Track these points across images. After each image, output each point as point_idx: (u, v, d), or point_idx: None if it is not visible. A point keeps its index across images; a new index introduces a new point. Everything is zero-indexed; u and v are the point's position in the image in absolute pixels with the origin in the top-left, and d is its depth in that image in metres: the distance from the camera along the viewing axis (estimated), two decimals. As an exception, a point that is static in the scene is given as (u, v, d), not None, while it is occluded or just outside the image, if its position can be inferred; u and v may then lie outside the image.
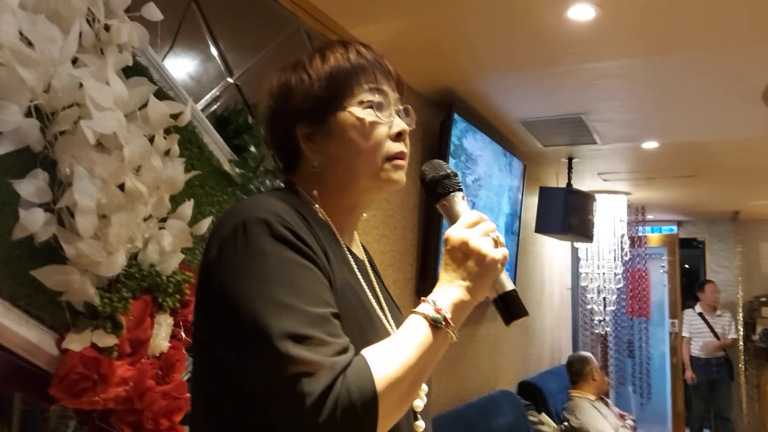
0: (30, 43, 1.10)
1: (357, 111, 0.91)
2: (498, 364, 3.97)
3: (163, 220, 1.37)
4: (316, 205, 0.92)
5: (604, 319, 5.48)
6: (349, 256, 0.93)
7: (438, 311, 0.80)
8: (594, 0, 2.06)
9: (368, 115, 0.91)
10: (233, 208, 0.87)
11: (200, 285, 0.86)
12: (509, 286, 0.85)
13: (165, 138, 1.36)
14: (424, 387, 0.91)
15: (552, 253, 5.49)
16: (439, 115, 2.91)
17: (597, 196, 5.34)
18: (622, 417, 4.38)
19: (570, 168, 4.33)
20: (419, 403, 0.90)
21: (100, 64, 1.19)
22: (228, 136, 1.66)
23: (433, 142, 2.90)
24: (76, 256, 1.19)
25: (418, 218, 2.85)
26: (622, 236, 5.51)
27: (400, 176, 0.93)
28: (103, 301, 1.25)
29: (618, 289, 5.54)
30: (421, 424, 0.89)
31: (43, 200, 1.16)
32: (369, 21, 2.27)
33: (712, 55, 2.49)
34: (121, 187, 1.24)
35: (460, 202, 0.91)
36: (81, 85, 1.16)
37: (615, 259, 5.44)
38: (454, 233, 0.86)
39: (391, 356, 0.76)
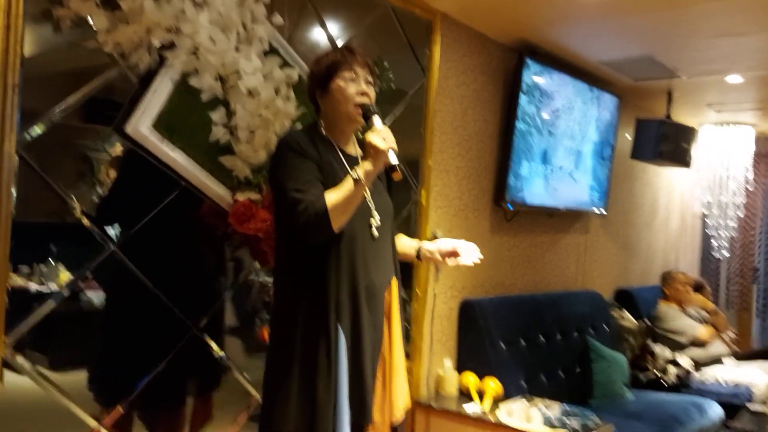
0: (213, 41, 2.19)
1: (339, 82, 1.87)
2: (587, 270, 4.67)
3: (286, 134, 2.45)
4: (323, 131, 1.92)
5: (722, 245, 5.80)
6: (341, 153, 1.91)
7: (356, 173, 1.72)
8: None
9: (345, 83, 1.86)
10: (281, 137, 1.94)
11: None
12: (393, 161, 1.73)
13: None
14: (378, 215, 1.90)
15: (672, 182, 5.89)
16: (515, 60, 3.67)
17: (715, 127, 5.63)
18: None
19: (669, 100, 4.75)
20: (372, 222, 1.89)
21: (248, 50, 2.27)
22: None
23: (508, 83, 3.68)
24: (239, 152, 2.31)
25: (497, 143, 3.67)
26: (746, 167, 5.72)
27: (361, 118, 1.86)
28: (254, 176, 2.36)
29: (739, 217, 5.80)
30: (375, 232, 1.89)
31: (223, 122, 2.27)
32: (443, -5, 3.12)
33: None
34: (260, 116, 2.33)
35: (376, 121, 1.80)
36: (238, 61, 2.24)
37: (735, 191, 5.69)
38: (366, 136, 1.77)
39: (335, 194, 1.73)
